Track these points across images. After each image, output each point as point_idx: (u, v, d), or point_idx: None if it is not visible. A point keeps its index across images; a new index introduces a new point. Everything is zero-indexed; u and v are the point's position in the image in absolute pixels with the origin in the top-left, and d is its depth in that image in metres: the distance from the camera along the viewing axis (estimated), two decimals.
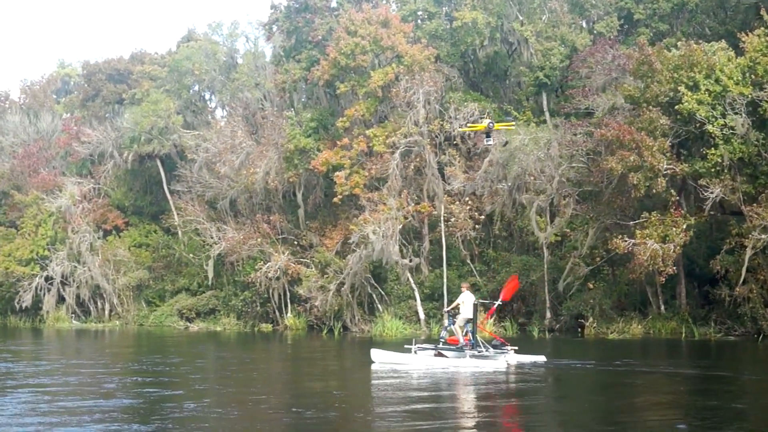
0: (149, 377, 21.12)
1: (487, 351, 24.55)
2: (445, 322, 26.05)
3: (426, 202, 43.40)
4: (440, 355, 24.47)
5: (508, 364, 24.09)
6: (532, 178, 37.97)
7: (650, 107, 31.59)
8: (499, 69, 47.89)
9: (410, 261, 41.61)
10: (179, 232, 56.76)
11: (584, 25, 44.77)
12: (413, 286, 42.11)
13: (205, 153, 52.20)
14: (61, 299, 56.74)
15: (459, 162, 41.65)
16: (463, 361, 23.56)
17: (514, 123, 38.67)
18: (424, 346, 25.36)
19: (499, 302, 27.52)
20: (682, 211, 32.72)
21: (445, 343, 24.94)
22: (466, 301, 24.70)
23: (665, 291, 37.18)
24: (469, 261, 43.91)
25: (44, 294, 56.33)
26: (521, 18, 44.52)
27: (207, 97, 61.61)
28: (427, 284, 43.04)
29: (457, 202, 43.05)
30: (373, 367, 23.42)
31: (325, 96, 49.55)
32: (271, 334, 44.22)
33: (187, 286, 53.05)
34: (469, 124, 40.26)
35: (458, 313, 24.97)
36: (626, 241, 31.41)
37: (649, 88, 31.95)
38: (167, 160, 58.51)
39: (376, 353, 24.22)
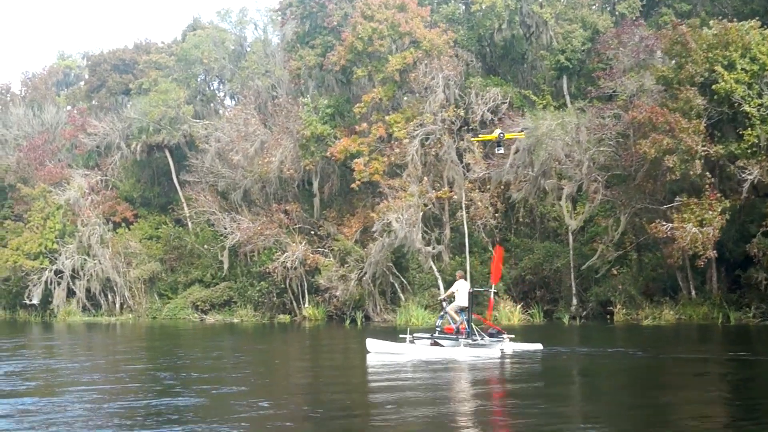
0: (201, 372, 20.15)
1: (482, 339, 24.31)
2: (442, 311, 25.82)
3: (446, 188, 42.74)
4: (436, 344, 24.26)
5: (502, 352, 23.81)
6: (557, 163, 37.20)
7: (686, 87, 30.82)
8: (517, 53, 47.12)
9: (433, 248, 40.88)
10: (189, 224, 56.00)
11: (604, 6, 43.92)
12: (436, 274, 41.41)
13: (216, 142, 51.34)
14: (70, 293, 55.92)
15: (478, 148, 40.82)
16: (458, 351, 23.28)
17: (524, 133, 38.50)
18: (420, 335, 25.11)
19: (494, 289, 27.42)
20: (717, 194, 32.00)
21: (441, 332, 24.75)
22: (461, 289, 24.55)
23: (696, 276, 36.55)
24: (490, 248, 43.19)
25: (54, 288, 55.50)
26: (540, 0, 43.70)
27: (215, 85, 60.72)
28: (449, 272, 42.29)
29: (477, 190, 42.39)
30: (374, 357, 22.89)
31: (337, 83, 48.82)
32: (291, 325, 43.49)
33: (201, 278, 52.18)
34: (480, 135, 39.82)
35: (453, 300, 24.83)
36: (664, 225, 30.70)
37: (683, 69, 31.19)
38: (176, 151, 57.63)
39: (371, 343, 23.87)
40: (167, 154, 57.43)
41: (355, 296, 42.03)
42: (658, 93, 33.77)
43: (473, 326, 24.56)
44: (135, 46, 64.67)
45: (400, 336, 24.17)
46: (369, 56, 43.52)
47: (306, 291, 46.29)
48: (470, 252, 42.18)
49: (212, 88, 60.83)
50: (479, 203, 41.78)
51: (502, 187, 42.49)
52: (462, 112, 41.17)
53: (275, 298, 47.33)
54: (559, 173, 37.89)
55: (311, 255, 45.04)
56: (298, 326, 42.62)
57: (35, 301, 55.67)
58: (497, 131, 39.03)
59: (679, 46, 31.73)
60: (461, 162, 42.09)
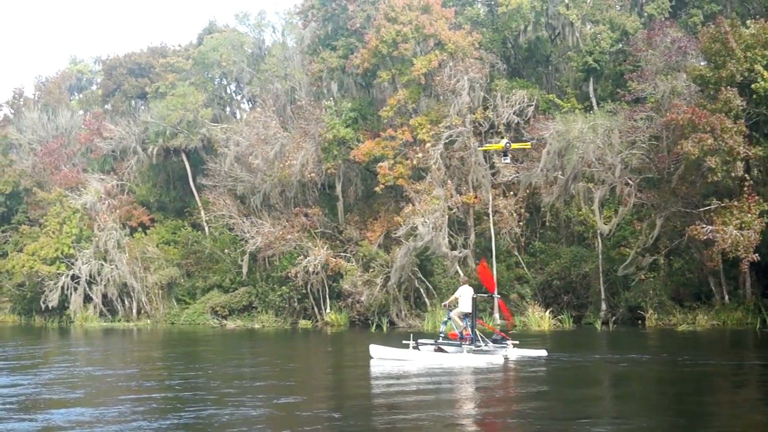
0: (250, 380, 19.52)
1: (486, 346, 24.07)
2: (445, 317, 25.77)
3: (471, 192, 42.19)
4: (440, 350, 24.12)
5: (506, 358, 23.57)
6: (586, 167, 36.64)
7: (726, 87, 30.26)
8: (541, 55, 46.59)
9: (459, 253, 40.29)
10: (206, 228, 55.47)
11: (632, 7, 43.35)
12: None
13: (236, 146, 50.82)
14: (87, 298, 55.38)
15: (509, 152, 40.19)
16: (461, 357, 23.05)
17: (530, 144, 38.35)
18: (423, 341, 24.79)
19: (496, 295, 27.82)
20: (755, 197, 31.40)
21: (445, 338, 24.58)
22: (464, 295, 24.31)
23: (729, 281, 35.94)
24: (516, 252, 42.67)
25: (71, 293, 54.98)
26: (566, 1, 43.19)
27: (232, 89, 60.27)
28: (475, 277, 41.68)
29: (502, 197, 41.85)
30: (379, 364, 22.55)
31: (356, 86, 48.36)
32: (314, 331, 42.91)
33: (219, 283, 51.58)
34: (486, 144, 39.44)
35: (456, 306, 24.65)
36: (704, 228, 30.12)
37: (723, 68, 30.61)
38: (192, 155, 57.15)
39: (374, 349, 23.63)
40: (184, 158, 56.97)
41: (380, 301, 41.45)
42: (694, 94, 33.20)
43: (477, 332, 24.33)
44: (150, 49, 64.24)
45: (404, 342, 23.85)
46: (392, 59, 43.04)
47: (327, 296, 45.75)
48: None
49: (229, 92, 60.39)
50: (504, 211, 41.20)
51: (527, 191, 41.99)
52: (490, 115, 40.56)
53: (296, 304, 46.78)
54: (588, 177, 37.31)
55: (333, 260, 44.50)
56: (321, 332, 42.07)
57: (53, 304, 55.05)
58: (504, 141, 38.67)
59: (718, 45, 31.16)
60: (488, 166, 41.53)
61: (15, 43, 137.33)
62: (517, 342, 24.98)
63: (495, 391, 18.12)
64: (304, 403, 15.75)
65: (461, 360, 22.71)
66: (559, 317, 38.51)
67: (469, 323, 24.08)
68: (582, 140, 34.56)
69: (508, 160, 38.78)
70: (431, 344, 24.28)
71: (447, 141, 41.18)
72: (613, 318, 38.39)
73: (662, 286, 37.29)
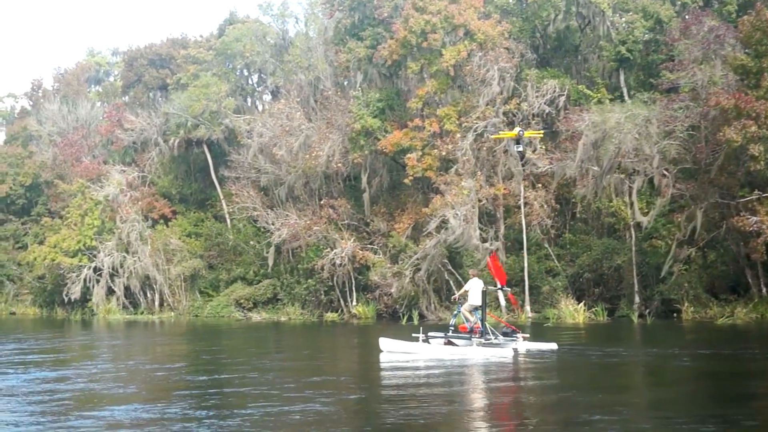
0: (308, 375, 18.98)
1: (496, 339, 23.89)
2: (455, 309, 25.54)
3: (500, 183, 41.68)
4: (450, 343, 23.81)
5: (516, 351, 23.34)
6: (621, 158, 36.08)
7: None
8: (570, 45, 45.96)
9: (491, 245, 39.80)
10: (227, 220, 55.12)
11: None
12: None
13: (259, 137, 50.38)
14: (109, 291, 55.12)
15: (540, 144, 39.75)
16: (471, 350, 22.85)
17: (542, 132, 37.93)
18: (434, 334, 24.62)
19: (506, 288, 27.41)
20: None
21: (455, 331, 24.36)
22: (474, 288, 24.12)
23: (766, 273, 35.36)
24: (546, 245, 42.16)
25: (93, 285, 54.72)
26: None
27: (254, 80, 59.78)
28: (506, 269, 41.18)
29: (532, 188, 41.33)
30: (396, 356, 22.32)
31: (380, 76, 47.85)
32: (343, 323, 42.54)
33: (243, 275, 51.23)
34: (501, 132, 38.97)
35: (466, 300, 24.46)
36: (749, 218, 29.57)
37: (765, 57, 30.00)
38: (213, 146, 56.77)
39: (384, 342, 23.42)
40: (205, 149, 56.59)
41: (409, 293, 41.04)
42: (732, 83, 32.61)
43: (487, 325, 24.15)
44: (171, 41, 63.82)
45: (413, 335, 23.71)
46: (420, 49, 42.52)
47: (354, 288, 45.37)
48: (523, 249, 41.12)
49: (251, 83, 59.92)
50: (534, 203, 40.70)
51: (558, 183, 41.47)
52: (524, 105, 39.99)
53: (322, 296, 46.42)
54: (623, 168, 36.76)
55: (360, 252, 44.11)
56: (348, 324, 41.68)
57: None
58: (517, 129, 38.32)
59: (759, 33, 30.55)
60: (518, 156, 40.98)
61: (32, 34, 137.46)
62: (528, 335, 24.73)
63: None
64: (372, 399, 15.27)
65: (471, 353, 22.56)
66: (593, 310, 37.97)
67: (479, 316, 23.95)
68: (619, 130, 33.93)
69: (521, 148, 38.49)
70: (441, 337, 24.19)
71: (478, 132, 40.67)
72: (647, 311, 37.88)
73: (697, 278, 36.73)
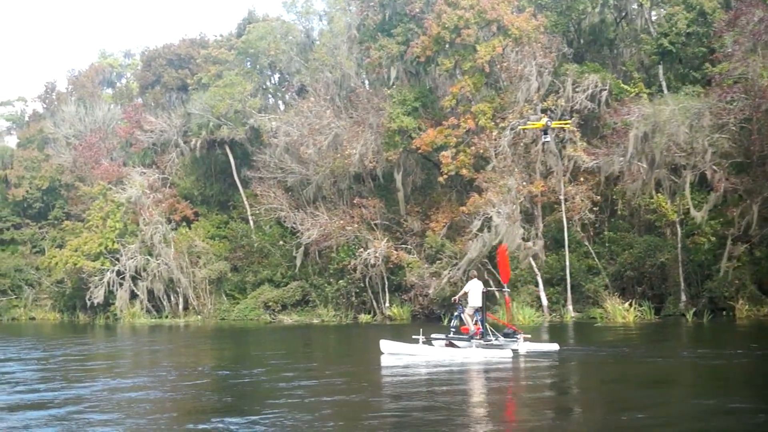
0: (391, 384, 18.11)
1: (496, 340, 23.59)
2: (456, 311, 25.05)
3: (539, 180, 40.85)
4: (451, 345, 23.58)
5: (515, 352, 22.96)
6: (670, 152, 35.26)
7: None
8: (605, 39, 45.14)
9: (533, 244, 38.96)
10: (251, 222, 54.24)
11: None
12: (536, 270, 39.52)
13: (286, 137, 49.50)
14: (131, 294, 54.18)
15: (581, 139, 38.95)
16: (471, 351, 22.47)
17: (569, 122, 37.13)
18: (435, 336, 24.30)
19: (506, 289, 26.76)
20: None
21: (457, 332, 24.03)
22: (474, 289, 23.81)
23: None
24: (586, 242, 41.32)
25: (116, 289, 53.77)
26: None
27: (275, 78, 58.91)
28: (546, 270, 40.45)
29: (570, 184, 40.53)
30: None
31: (406, 73, 47.03)
32: (380, 325, 41.60)
33: (270, 277, 50.32)
34: (529, 122, 38.27)
35: (466, 302, 24.04)
36: None
37: None
38: (235, 147, 55.87)
39: (385, 344, 23.20)
40: (227, 150, 55.70)
41: (447, 294, 40.14)
42: None
43: (487, 326, 23.89)
44: (189, 40, 62.96)
45: (413, 337, 23.47)
46: (453, 45, 41.72)
47: (387, 289, 44.54)
48: (563, 247, 40.29)
49: (273, 82, 59.04)
50: (576, 197, 39.90)
51: (604, 178, 40.71)
52: (562, 101, 39.17)
53: (353, 298, 45.59)
54: (670, 163, 35.95)
55: (395, 252, 43.28)
56: (383, 325, 40.71)
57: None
58: (544, 119, 37.77)
59: None
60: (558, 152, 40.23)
61: (42, 37, 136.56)
62: (529, 336, 24.37)
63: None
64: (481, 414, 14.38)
65: (470, 354, 22.30)
66: (640, 309, 37.12)
67: (479, 317, 23.67)
68: (672, 123, 33.06)
69: (548, 139, 38.03)
70: (443, 339, 23.98)
71: (515, 130, 39.86)
72: (694, 309, 37.07)
73: (748, 275, 35.92)
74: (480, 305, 23.67)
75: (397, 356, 22.25)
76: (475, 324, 23.56)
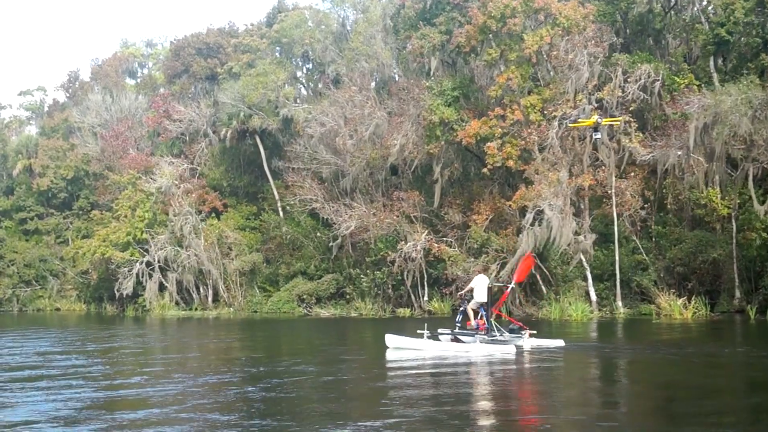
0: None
1: (501, 335, 23.52)
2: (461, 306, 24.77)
3: (587, 173, 39.91)
4: (457, 340, 23.53)
5: (519, 348, 22.73)
6: (729, 145, 34.33)
7: None
8: (652, 29, 44.11)
9: (585, 238, 38.05)
10: (281, 213, 53.40)
11: None
12: (585, 265, 38.64)
13: (322, 127, 48.57)
14: (161, 286, 53.36)
15: (635, 130, 37.99)
16: (474, 346, 22.44)
17: (621, 119, 36.68)
18: (441, 330, 24.11)
19: (513, 285, 26.65)
20: None
21: (462, 327, 23.81)
22: (479, 284, 23.65)
23: None
24: (634, 238, 40.40)
25: (146, 280, 52.92)
26: None
27: (308, 67, 57.99)
28: (595, 263, 39.54)
29: (619, 178, 39.60)
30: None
31: (443, 64, 46.17)
32: (421, 319, 40.72)
33: (304, 270, 49.44)
34: (579, 119, 37.43)
35: (471, 297, 23.85)
36: None
37: None
38: (265, 137, 55.02)
39: (390, 338, 23.34)
40: (257, 140, 54.84)
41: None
42: None
43: (492, 322, 23.71)
44: (218, 30, 62.05)
45: (418, 331, 23.33)
46: (499, 35, 40.78)
47: (426, 283, 43.70)
48: (611, 242, 39.37)
49: (305, 71, 58.13)
50: (626, 192, 38.98)
51: (647, 172, 39.81)
52: (618, 92, 38.19)
53: (391, 291, 44.77)
54: (728, 155, 35.02)
55: (436, 245, 42.42)
56: (424, 319, 39.81)
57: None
58: (595, 116, 37.02)
59: None
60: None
61: (62, 27, 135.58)
62: (535, 332, 24.07)
63: None
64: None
65: (473, 350, 22.18)
66: (695, 306, 36.21)
67: (484, 312, 23.48)
68: (735, 113, 32.07)
69: (599, 136, 37.36)
70: (448, 334, 23.86)
71: (562, 120, 38.92)
72: (748, 306, 36.18)
73: None
74: (485, 300, 23.54)
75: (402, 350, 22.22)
76: (480, 319, 23.47)
